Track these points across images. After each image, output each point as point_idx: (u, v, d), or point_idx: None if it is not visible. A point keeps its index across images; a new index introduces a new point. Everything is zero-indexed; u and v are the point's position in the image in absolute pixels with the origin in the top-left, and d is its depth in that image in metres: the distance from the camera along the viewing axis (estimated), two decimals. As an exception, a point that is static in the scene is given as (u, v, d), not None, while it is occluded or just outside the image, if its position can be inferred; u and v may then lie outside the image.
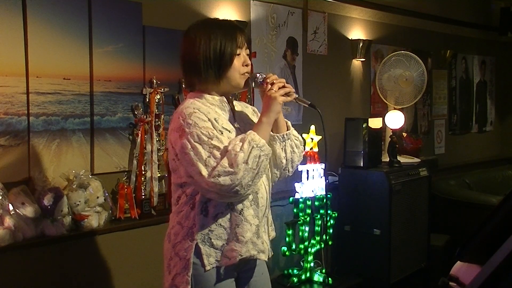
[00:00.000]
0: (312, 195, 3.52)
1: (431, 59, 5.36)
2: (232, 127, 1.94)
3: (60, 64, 2.68)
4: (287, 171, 2.08)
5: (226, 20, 2.05)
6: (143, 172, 2.96)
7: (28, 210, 2.46)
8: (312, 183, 3.49)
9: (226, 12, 3.42)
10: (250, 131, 1.87)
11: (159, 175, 3.02)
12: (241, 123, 2.02)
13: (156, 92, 3.00)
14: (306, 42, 4.05)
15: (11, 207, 2.43)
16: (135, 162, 2.94)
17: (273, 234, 2.11)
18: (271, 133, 1.98)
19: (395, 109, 4.22)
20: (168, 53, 3.11)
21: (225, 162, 1.77)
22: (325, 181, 3.55)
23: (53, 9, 2.64)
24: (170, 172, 3.03)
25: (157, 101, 3.01)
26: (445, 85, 5.65)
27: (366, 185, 3.88)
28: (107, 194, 2.79)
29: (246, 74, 1.96)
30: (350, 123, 3.90)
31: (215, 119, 1.87)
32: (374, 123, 3.97)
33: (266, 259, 2.01)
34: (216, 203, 1.88)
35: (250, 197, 1.92)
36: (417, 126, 5.23)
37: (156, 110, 3.01)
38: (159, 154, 3.02)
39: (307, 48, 4.07)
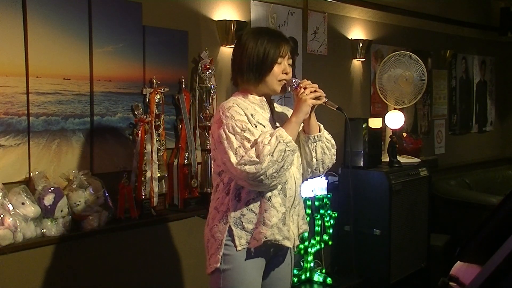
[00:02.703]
0: (312, 195, 3.52)
1: (431, 59, 5.36)
2: (268, 123, 2.12)
3: (60, 64, 2.68)
4: (318, 171, 2.24)
5: (275, 30, 2.27)
6: (143, 172, 2.95)
7: (28, 210, 2.46)
8: (312, 183, 3.49)
9: (226, 12, 3.42)
10: (279, 127, 2.05)
11: (159, 175, 3.02)
12: (280, 123, 2.17)
13: (156, 92, 3.00)
14: (306, 42, 4.05)
15: (11, 207, 2.42)
16: (135, 162, 2.94)
17: (304, 227, 2.26)
18: (304, 133, 2.16)
19: (395, 109, 4.22)
20: (168, 53, 3.11)
21: (252, 152, 1.96)
22: (329, 180, 3.55)
23: (53, 9, 2.64)
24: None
25: (157, 101, 3.00)
26: (445, 85, 5.65)
27: (366, 185, 3.88)
28: (107, 194, 2.78)
29: (283, 81, 2.14)
30: (350, 123, 3.89)
31: (251, 115, 2.08)
32: (374, 123, 3.97)
33: (291, 246, 2.17)
34: (248, 190, 2.06)
35: (279, 186, 2.08)
36: (417, 126, 5.23)
37: (156, 110, 3.00)
38: (159, 154, 3.01)
39: (307, 48, 4.07)
